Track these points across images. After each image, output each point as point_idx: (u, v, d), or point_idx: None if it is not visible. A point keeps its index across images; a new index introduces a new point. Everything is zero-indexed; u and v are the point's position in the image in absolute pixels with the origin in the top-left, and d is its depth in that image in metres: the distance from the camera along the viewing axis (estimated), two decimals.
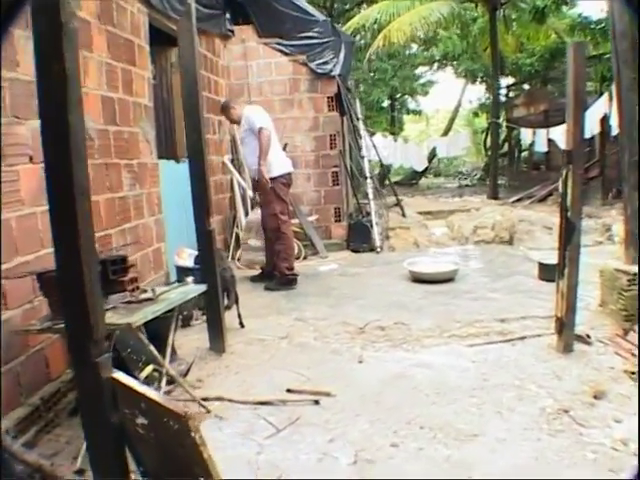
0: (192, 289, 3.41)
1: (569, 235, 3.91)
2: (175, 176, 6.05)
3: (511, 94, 18.32)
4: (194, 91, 3.97)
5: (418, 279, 6.03)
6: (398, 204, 10.09)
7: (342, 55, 8.02)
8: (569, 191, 3.92)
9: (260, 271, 6.60)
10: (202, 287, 3.48)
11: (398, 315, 4.96)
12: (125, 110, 4.83)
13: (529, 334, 4.36)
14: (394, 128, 22.70)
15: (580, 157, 4.03)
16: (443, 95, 28.94)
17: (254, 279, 6.55)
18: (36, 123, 3.61)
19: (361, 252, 7.98)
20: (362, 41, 19.18)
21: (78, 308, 2.22)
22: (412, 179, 22.83)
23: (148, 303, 3.15)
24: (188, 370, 4.18)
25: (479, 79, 21.35)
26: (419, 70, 23.36)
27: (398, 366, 4.03)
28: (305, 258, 7.70)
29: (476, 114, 24.82)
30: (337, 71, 8.00)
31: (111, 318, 2.90)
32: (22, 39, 3.41)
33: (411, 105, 25.39)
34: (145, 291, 3.42)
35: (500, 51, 15.56)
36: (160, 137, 5.93)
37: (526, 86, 17.78)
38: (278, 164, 6.08)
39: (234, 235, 7.91)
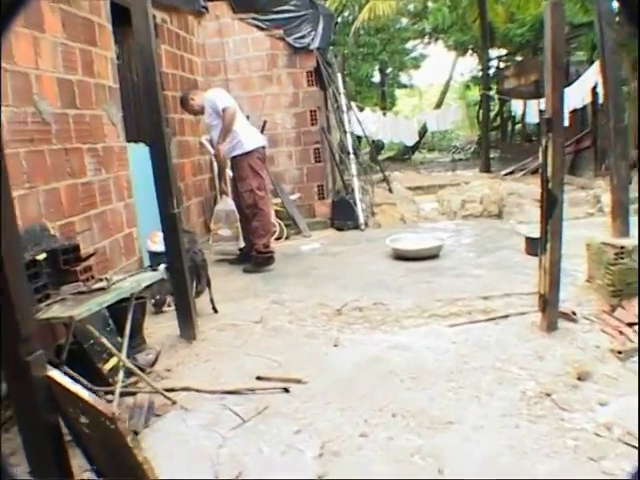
0: (146, 277, 3.23)
1: (550, 208, 3.72)
2: (146, 159, 5.78)
3: (502, 65, 17.95)
4: (151, 69, 3.76)
5: (401, 256, 5.86)
6: (385, 179, 9.87)
7: (320, 28, 7.77)
8: (549, 161, 3.74)
9: (239, 252, 6.42)
10: (157, 274, 3.30)
11: (378, 295, 4.80)
12: (86, 92, 4.61)
13: (513, 312, 4.21)
14: (385, 103, 22.32)
15: (560, 124, 3.82)
16: (436, 69, 28.59)
17: (232, 261, 6.38)
18: None
19: (345, 230, 7.80)
20: (350, 15, 18.87)
21: (3, 304, 2.05)
22: (405, 154, 22.56)
23: (99, 293, 2.99)
24: (156, 359, 4.04)
25: (470, 51, 20.94)
26: (410, 44, 22.92)
27: (375, 349, 3.88)
28: (287, 238, 7.53)
29: (468, 87, 24.41)
30: (316, 44, 7.77)
31: (55, 311, 2.74)
32: None
33: (403, 79, 25.03)
34: (101, 280, 3.25)
35: (490, 22, 15.21)
36: (129, 119, 5.71)
37: (518, 57, 17.41)
38: (249, 138, 5.90)
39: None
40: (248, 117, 7.66)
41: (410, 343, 3.92)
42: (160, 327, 4.58)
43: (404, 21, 21.38)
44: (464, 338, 3.91)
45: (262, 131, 7.72)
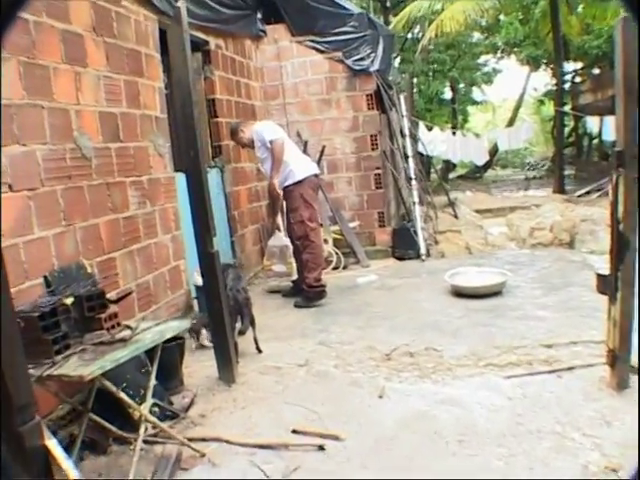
0: (171, 327, 3.04)
1: (622, 252, 3.30)
2: None
3: (577, 80, 17.11)
4: (188, 102, 3.61)
5: (460, 293, 5.48)
6: (451, 204, 9.47)
7: (380, 49, 7.51)
8: (620, 200, 3.32)
9: (292, 284, 6.21)
10: (183, 325, 3.11)
11: (431, 338, 4.46)
12: (130, 124, 4.53)
13: (579, 364, 3.78)
14: (456, 121, 21.80)
15: (633, 158, 3.40)
16: (510, 83, 27.74)
17: (285, 294, 6.17)
18: (13, 149, 3.41)
19: (406, 259, 7.46)
20: (420, 32, 18.54)
21: None
22: (476, 172, 21.95)
23: (119, 346, 2.82)
24: (190, 404, 3.86)
25: (543, 66, 20.14)
26: (482, 59, 22.34)
27: (422, 402, 3.56)
28: (345, 268, 7.26)
29: (542, 102, 23.51)
30: (375, 67, 7.50)
31: (69, 367, 2.58)
32: None
33: (476, 95, 24.42)
34: (129, 327, 3.09)
35: (564, 34, 14.51)
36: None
37: (595, 71, 16.54)
38: (300, 168, 5.69)
39: None
40: (306, 142, 7.53)
41: (461, 397, 3.57)
42: (202, 366, 4.41)
43: (476, 35, 20.85)
44: (521, 393, 3.53)
45: (321, 156, 7.54)
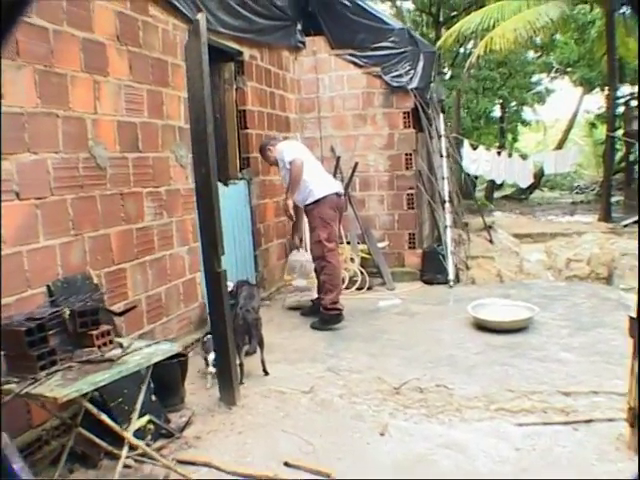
0: (162, 350, 2.93)
1: None
2: (231, 199, 5.71)
3: (632, 104, 16.49)
4: (202, 118, 3.52)
5: (483, 326, 5.24)
6: (486, 228, 9.18)
7: (420, 66, 7.32)
8: None
9: (311, 303, 6.07)
10: (173, 349, 3.00)
11: (444, 375, 4.26)
12: (151, 135, 4.49)
13: (598, 417, 3.53)
14: (503, 140, 21.35)
15: None
16: (563, 104, 27.06)
17: (305, 313, 6.04)
18: (23, 157, 3.38)
19: (434, 284, 7.23)
20: (472, 48, 18.21)
21: None
22: (522, 193, 21.40)
23: (105, 366, 2.73)
24: (186, 424, 3.76)
25: (597, 87, 19.52)
26: (535, 78, 21.84)
27: (424, 445, 3.38)
28: (370, 288, 7.08)
29: (594, 125, 22.80)
30: (414, 84, 7.32)
31: (47, 387, 2.50)
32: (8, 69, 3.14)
33: (528, 115, 23.89)
34: (121, 346, 3.01)
35: (620, 57, 14.00)
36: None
37: None
38: (319, 186, 5.54)
39: None
40: (339, 158, 7.39)
41: (466, 442, 3.37)
42: (205, 383, 4.31)
43: (530, 54, 20.40)
44: (531, 445, 3.31)
45: (353, 173, 7.39)
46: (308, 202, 5.51)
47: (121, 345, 2.99)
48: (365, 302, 6.50)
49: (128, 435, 2.86)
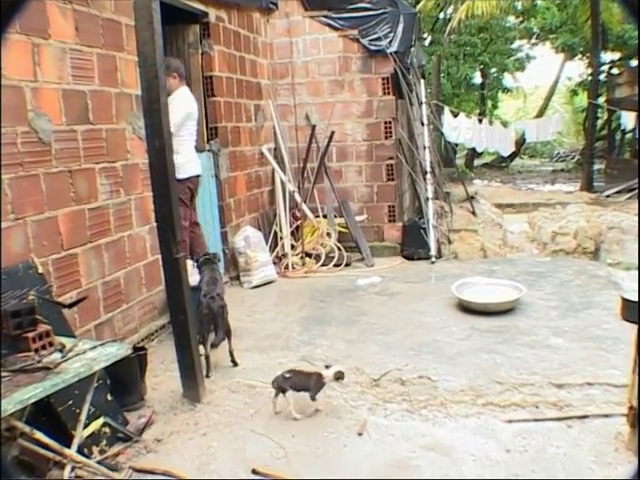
0: (107, 355, 2.56)
1: None
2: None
3: (615, 71, 16.14)
4: (155, 84, 3.10)
5: (467, 308, 4.93)
6: (469, 199, 8.87)
7: (400, 29, 6.88)
8: None
9: None
10: (122, 352, 2.62)
11: (427, 364, 3.95)
12: (103, 104, 4.04)
13: (593, 412, 3.25)
14: (484, 107, 20.97)
15: None
16: (543, 70, 26.66)
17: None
18: None
19: (415, 259, 6.91)
20: (452, 13, 17.70)
21: None
22: (502, 161, 21.17)
23: (39, 376, 2.36)
24: (146, 425, 3.42)
25: (579, 54, 19.11)
26: (516, 44, 21.36)
27: (405, 446, 3.09)
28: (348, 265, 6.74)
29: (575, 92, 22.45)
30: (394, 48, 6.89)
31: None
32: None
33: (508, 82, 23.46)
34: (61, 349, 2.63)
35: (603, 22, 13.60)
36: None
37: (633, 62, 15.56)
38: (191, 163, 5.01)
39: (272, 233, 7.08)
40: (314, 127, 7.00)
41: (452, 443, 3.08)
42: (170, 377, 3.96)
43: (510, 20, 19.91)
44: (522, 445, 3.02)
45: (329, 142, 7.00)
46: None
47: (62, 348, 2.62)
48: (343, 280, 6.17)
49: (70, 452, 2.51)
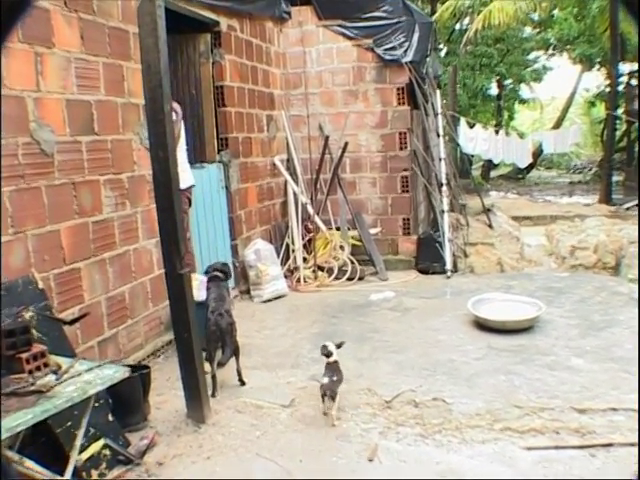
0: (102, 378, 2.42)
1: None
2: (201, 182, 5.17)
3: (633, 82, 15.86)
4: (159, 94, 2.98)
5: (484, 326, 4.75)
6: (485, 212, 8.68)
7: (416, 38, 6.75)
8: None
9: None
10: (119, 375, 2.49)
11: (442, 385, 3.78)
12: (109, 115, 3.94)
13: (618, 440, 3.06)
14: (500, 118, 20.74)
15: None
16: (561, 81, 26.32)
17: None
18: None
19: (430, 273, 6.73)
20: (469, 24, 17.56)
21: None
22: (519, 173, 20.90)
23: (31, 400, 2.23)
24: (148, 447, 3.28)
25: (596, 65, 18.83)
26: (532, 55, 21.13)
27: (419, 473, 2.95)
28: (361, 279, 6.58)
29: (592, 103, 22.14)
30: (409, 57, 6.76)
31: None
32: None
33: (525, 93, 23.21)
34: (56, 371, 2.50)
35: (622, 33, 13.37)
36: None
37: None
38: (185, 172, 4.71)
39: (284, 246, 6.95)
40: (328, 137, 6.88)
41: (467, 471, 2.93)
42: (175, 395, 3.82)
43: (527, 30, 19.70)
44: (542, 475, 2.85)
45: (343, 153, 6.88)
46: None
47: (56, 370, 2.49)
48: (355, 295, 6.01)
49: None
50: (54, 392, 2.29)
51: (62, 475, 2.44)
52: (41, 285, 3.27)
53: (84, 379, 2.40)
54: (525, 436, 3.19)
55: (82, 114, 3.68)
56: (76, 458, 2.48)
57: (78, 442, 2.46)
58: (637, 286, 5.57)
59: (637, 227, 7.56)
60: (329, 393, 3.45)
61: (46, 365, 2.53)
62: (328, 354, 3.63)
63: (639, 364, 3.41)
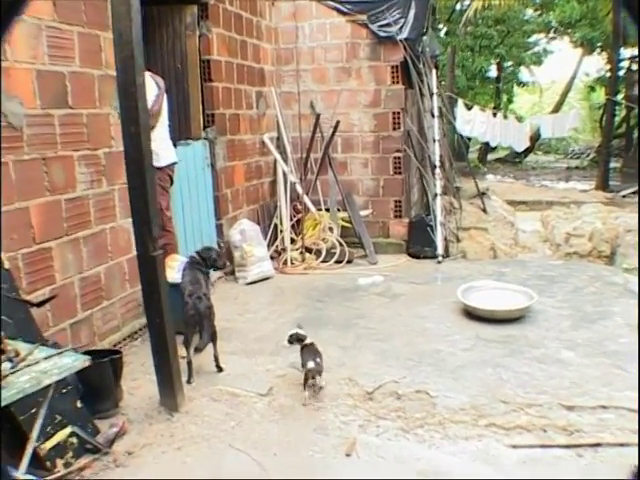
0: (57, 368, 2.27)
1: None
2: (186, 159, 5.00)
3: (634, 67, 15.59)
4: (130, 65, 2.79)
5: (473, 314, 4.61)
6: (480, 196, 8.53)
7: (412, 15, 6.52)
8: None
9: None
10: (73, 364, 2.32)
11: (426, 377, 3.64)
12: (85, 87, 3.75)
13: (607, 440, 2.93)
14: (499, 100, 20.47)
15: None
16: (561, 65, 26.00)
17: None
18: None
19: (421, 258, 6.58)
20: (469, 3, 17.24)
21: None
22: (517, 156, 20.70)
23: None
24: (116, 436, 3.14)
25: (598, 49, 18.53)
26: (533, 38, 20.79)
27: (397, 471, 2.81)
28: (350, 262, 6.43)
29: (592, 88, 21.85)
30: (404, 35, 6.54)
31: None
32: None
33: (524, 76, 22.90)
34: (11, 358, 2.35)
35: (624, 17, 13.10)
36: (169, 115, 4.79)
37: None
38: (167, 150, 4.71)
39: (272, 226, 6.79)
40: (319, 115, 6.69)
41: (449, 469, 2.80)
42: (150, 380, 3.65)
43: (529, 12, 19.37)
44: (527, 475, 2.72)
45: (334, 132, 6.68)
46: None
47: (13, 357, 2.34)
48: (343, 278, 5.86)
49: (17, 476, 2.23)
50: (7, 382, 2.13)
51: (17, 469, 2.29)
52: (7, 265, 3.11)
53: (40, 368, 2.25)
54: (511, 433, 3.06)
55: (54, 86, 3.49)
56: (32, 449, 2.34)
57: (34, 434, 2.32)
58: (632, 276, 5.44)
59: (636, 215, 7.41)
60: (317, 375, 3.44)
61: (2, 352, 2.37)
62: (302, 338, 3.54)
63: (639, 360, 3.27)
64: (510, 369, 3.68)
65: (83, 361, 2.35)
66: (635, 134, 16.04)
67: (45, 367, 2.26)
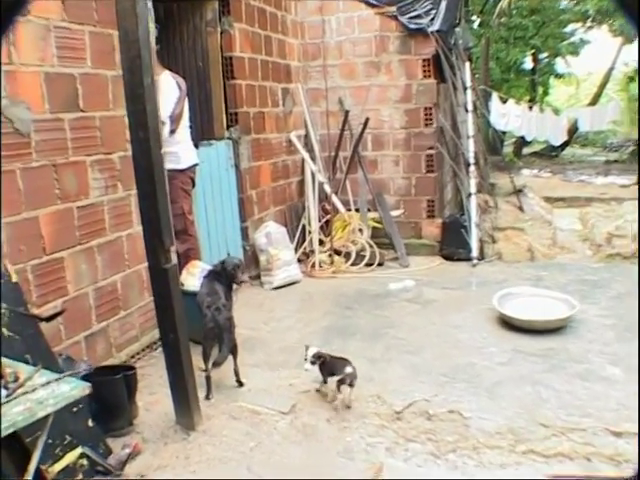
0: (53, 397, 2.08)
1: None
2: (207, 160, 4.84)
3: None
4: (137, 65, 2.61)
5: (510, 324, 4.33)
6: (516, 193, 8.19)
7: (443, 6, 6.23)
8: None
9: None
10: (70, 393, 2.14)
11: (459, 394, 3.40)
12: (97, 89, 3.58)
13: None
14: (534, 93, 19.88)
15: None
16: (598, 56, 25.16)
17: None
18: None
19: (455, 260, 6.31)
20: None
21: None
22: (553, 150, 20.08)
23: None
24: (127, 459, 2.97)
25: (638, 38, 17.84)
26: (570, 27, 20.10)
27: None
28: (381, 265, 6.18)
29: (631, 79, 21.04)
30: (436, 27, 6.24)
31: None
32: None
33: (560, 67, 22.20)
34: (6, 386, 2.18)
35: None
36: (190, 115, 4.64)
37: None
38: (189, 151, 4.60)
39: (300, 227, 6.58)
40: (348, 112, 6.47)
41: None
42: (165, 396, 3.47)
43: (564, 2, 18.73)
44: None
45: (363, 129, 6.45)
46: (169, 167, 4.17)
47: (9, 383, 2.17)
48: (373, 283, 5.62)
49: None
50: None
51: None
52: (15, 278, 2.96)
53: (37, 397, 2.07)
54: (551, 461, 2.80)
55: (64, 89, 3.33)
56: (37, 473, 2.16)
57: (32, 465, 2.14)
58: None
59: None
60: (354, 382, 3.31)
61: (1, 377, 2.21)
62: (324, 357, 3.42)
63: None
64: (550, 387, 3.40)
65: (82, 389, 2.16)
66: None
67: (41, 396, 2.08)
